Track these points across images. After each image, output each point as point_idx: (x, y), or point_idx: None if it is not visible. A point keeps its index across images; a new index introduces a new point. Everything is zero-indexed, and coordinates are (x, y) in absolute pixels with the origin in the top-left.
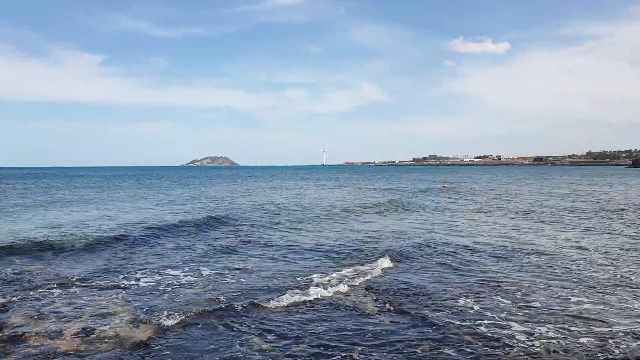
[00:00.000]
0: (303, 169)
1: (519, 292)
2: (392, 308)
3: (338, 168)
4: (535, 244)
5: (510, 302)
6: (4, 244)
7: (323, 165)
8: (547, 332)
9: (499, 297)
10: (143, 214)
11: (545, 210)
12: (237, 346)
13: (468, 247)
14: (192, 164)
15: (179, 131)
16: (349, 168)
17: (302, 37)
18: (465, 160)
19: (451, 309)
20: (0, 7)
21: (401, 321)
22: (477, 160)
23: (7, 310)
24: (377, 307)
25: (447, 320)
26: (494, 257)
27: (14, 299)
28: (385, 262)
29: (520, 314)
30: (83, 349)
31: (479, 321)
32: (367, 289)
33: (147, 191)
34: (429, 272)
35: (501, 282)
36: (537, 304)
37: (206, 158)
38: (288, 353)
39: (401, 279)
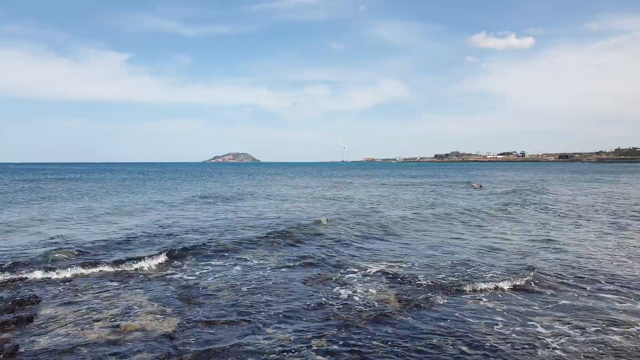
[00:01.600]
0: (326, 166)
1: None
2: None
3: (358, 165)
4: None
5: None
6: (34, 236)
7: (343, 161)
8: None
9: None
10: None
11: None
12: (260, 339)
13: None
14: (214, 160)
15: (201, 128)
16: (371, 165)
17: (324, 35)
18: (488, 157)
19: None
20: (29, 7)
21: None
22: (501, 157)
23: (39, 301)
24: None
25: None
26: None
27: (45, 290)
28: None
29: None
30: (111, 339)
31: None
32: None
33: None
34: None
35: None
36: None
37: (228, 154)
38: (307, 348)
39: None
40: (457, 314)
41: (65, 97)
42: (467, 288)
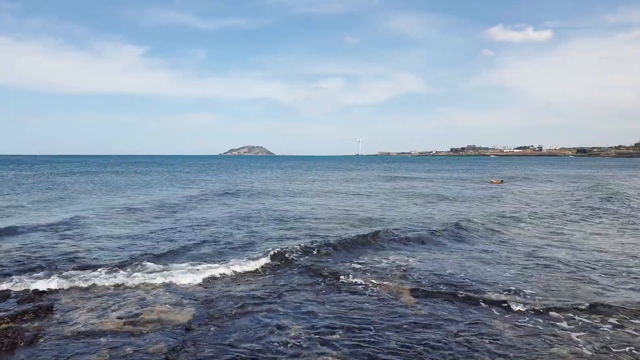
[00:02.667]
0: (340, 159)
1: None
2: None
3: (373, 158)
4: None
5: None
6: (53, 227)
7: (358, 155)
8: None
9: None
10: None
11: None
12: (275, 330)
13: None
14: (229, 154)
15: (217, 122)
16: (385, 158)
17: (339, 28)
18: (505, 151)
19: None
20: (49, 1)
21: None
22: (518, 151)
23: (58, 291)
24: None
25: None
26: None
27: (63, 280)
28: None
29: None
30: (127, 329)
31: None
32: None
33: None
34: None
35: None
36: None
37: (243, 148)
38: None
39: None
40: None
41: (83, 90)
42: None
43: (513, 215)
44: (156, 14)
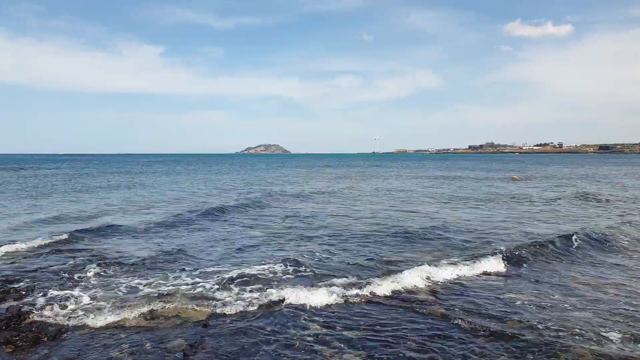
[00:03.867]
0: (360, 157)
1: None
2: None
3: (390, 156)
4: None
5: None
6: (78, 224)
7: (374, 153)
8: None
9: None
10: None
11: None
12: (292, 330)
13: None
14: (246, 152)
15: (233, 120)
16: (407, 156)
17: (353, 24)
18: (524, 148)
19: None
20: (70, 3)
21: None
22: (537, 148)
23: (76, 287)
24: None
25: None
26: None
27: (84, 276)
28: None
29: None
30: (147, 324)
31: None
32: None
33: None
34: None
35: None
36: None
37: (260, 146)
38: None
39: None
40: None
41: (102, 89)
42: None
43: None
44: (173, 13)
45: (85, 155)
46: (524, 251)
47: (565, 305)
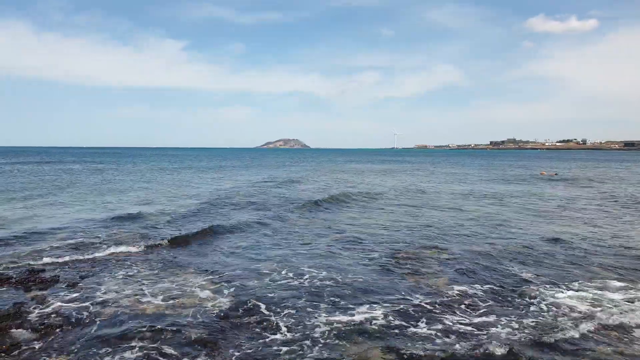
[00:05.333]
0: (380, 152)
1: None
2: None
3: (409, 151)
4: None
5: None
6: (99, 217)
7: (394, 148)
8: None
9: None
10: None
11: None
12: (309, 323)
13: None
14: (265, 146)
15: (253, 115)
16: (430, 152)
17: (375, 20)
18: (546, 144)
19: None
20: None
21: None
22: (560, 144)
23: (102, 276)
24: None
25: None
26: None
27: (107, 264)
28: None
29: None
30: (167, 312)
31: None
32: None
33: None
34: None
35: None
36: None
37: (279, 140)
38: None
39: None
40: None
41: (125, 84)
42: None
43: None
44: (197, 9)
45: (105, 149)
46: None
47: None
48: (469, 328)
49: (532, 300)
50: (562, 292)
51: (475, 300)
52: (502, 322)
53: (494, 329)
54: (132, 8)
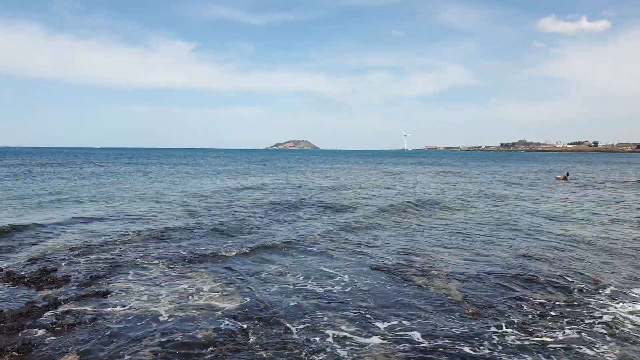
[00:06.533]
0: (390, 154)
1: None
2: None
3: (419, 153)
4: None
5: None
6: (116, 216)
7: (403, 149)
8: None
9: None
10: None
11: None
12: (325, 319)
13: None
14: (275, 147)
15: (263, 115)
16: (431, 153)
17: (385, 19)
18: (557, 146)
19: None
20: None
21: None
22: (571, 146)
23: (114, 277)
24: None
25: None
26: None
27: (118, 266)
28: None
29: None
30: (178, 313)
31: None
32: None
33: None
34: None
35: None
36: None
37: (289, 141)
38: None
39: None
40: None
41: (136, 84)
42: None
43: None
44: (207, 9)
45: (111, 149)
46: None
47: None
48: None
49: None
50: None
51: None
52: None
53: None
54: (143, 9)
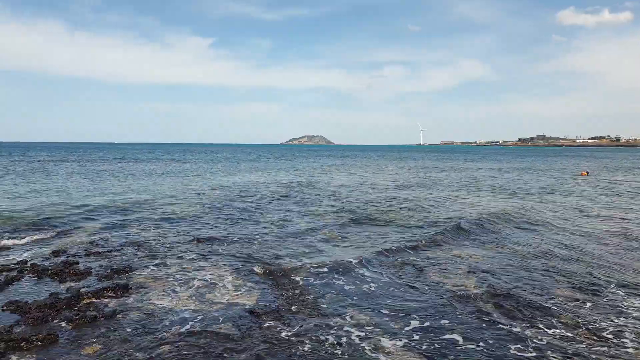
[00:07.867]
0: (408, 149)
1: None
2: None
3: (436, 148)
4: None
5: None
6: (133, 213)
7: (419, 145)
8: None
9: None
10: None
11: None
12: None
13: None
14: (290, 142)
15: (278, 111)
16: (449, 148)
17: (400, 14)
18: (577, 141)
19: None
20: None
21: None
22: (592, 141)
23: (134, 271)
24: None
25: None
26: None
27: (138, 260)
28: None
29: None
30: (196, 308)
31: None
32: None
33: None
34: None
35: None
36: None
37: (304, 137)
38: None
39: None
40: None
41: (153, 81)
42: None
43: None
44: (223, 5)
45: (125, 145)
46: None
47: None
48: None
49: None
50: None
51: None
52: None
53: None
54: (160, 6)
